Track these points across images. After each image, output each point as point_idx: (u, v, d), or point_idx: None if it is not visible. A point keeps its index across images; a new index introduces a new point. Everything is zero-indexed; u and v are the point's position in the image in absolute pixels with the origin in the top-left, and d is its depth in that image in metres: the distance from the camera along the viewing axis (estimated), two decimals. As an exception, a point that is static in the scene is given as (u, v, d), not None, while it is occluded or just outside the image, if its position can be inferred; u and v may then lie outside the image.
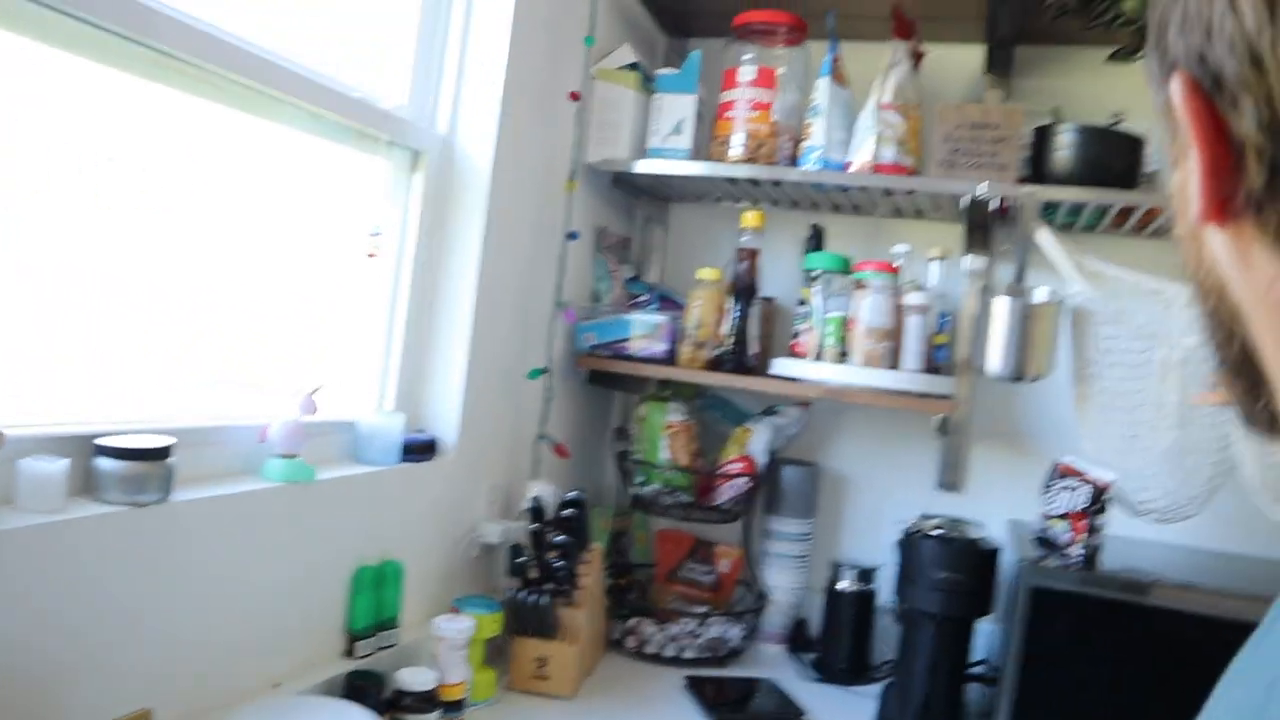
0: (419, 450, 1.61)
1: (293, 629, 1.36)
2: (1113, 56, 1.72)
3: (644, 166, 1.96)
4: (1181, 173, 0.50)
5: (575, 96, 1.90)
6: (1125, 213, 1.81)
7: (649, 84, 2.03)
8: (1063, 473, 1.66)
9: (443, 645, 1.43)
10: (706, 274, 1.97)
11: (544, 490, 1.77)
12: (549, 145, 1.88)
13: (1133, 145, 1.75)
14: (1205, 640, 1.42)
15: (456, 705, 1.44)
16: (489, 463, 1.80)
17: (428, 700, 1.39)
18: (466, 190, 1.70)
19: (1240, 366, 0.49)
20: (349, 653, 1.46)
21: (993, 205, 1.79)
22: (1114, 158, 1.75)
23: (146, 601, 1.12)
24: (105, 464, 1.10)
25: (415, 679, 1.39)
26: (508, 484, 1.86)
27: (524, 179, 1.80)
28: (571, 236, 1.92)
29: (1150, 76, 0.55)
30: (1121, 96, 1.94)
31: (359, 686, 1.38)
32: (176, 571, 1.16)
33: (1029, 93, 2.05)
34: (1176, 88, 0.45)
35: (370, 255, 1.61)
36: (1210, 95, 0.44)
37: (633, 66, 1.99)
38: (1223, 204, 0.45)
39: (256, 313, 1.43)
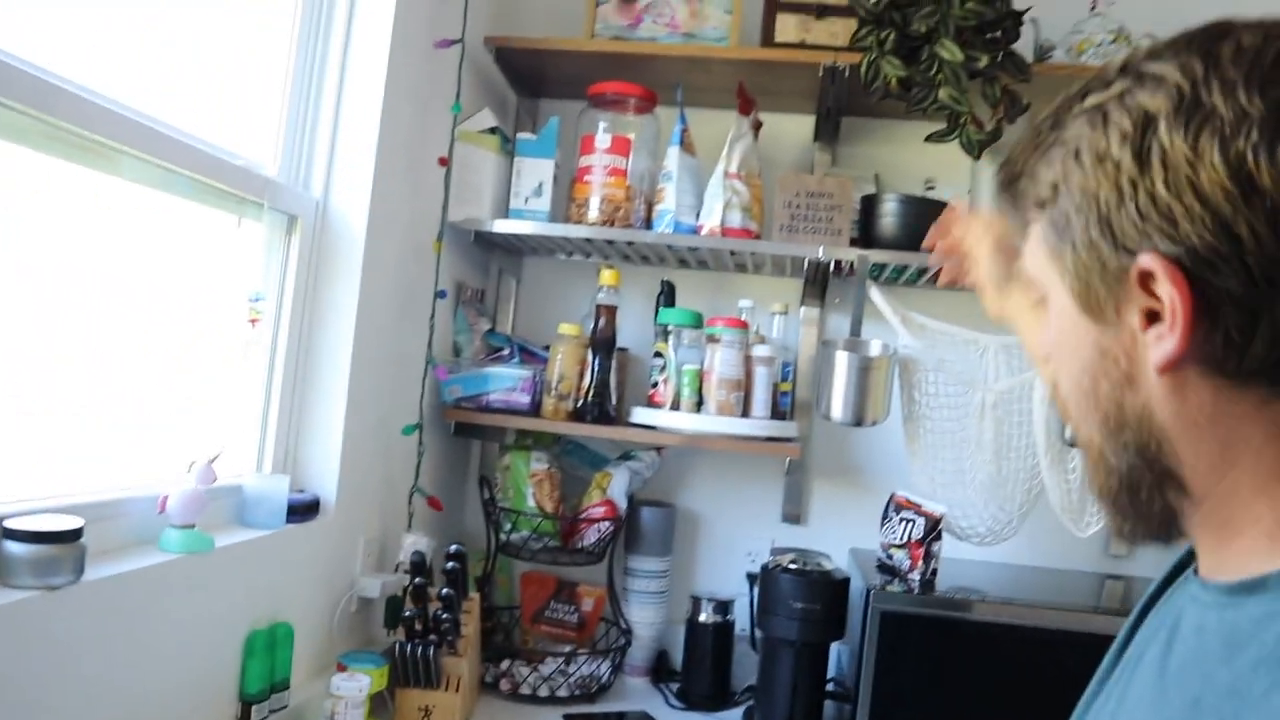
0: (303, 511, 1.65)
1: (188, 700, 1.38)
2: (930, 138, 1.94)
3: (506, 227, 2.06)
4: (1057, 319, 0.67)
5: (444, 162, 1.98)
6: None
7: (508, 146, 2.13)
8: (900, 505, 1.86)
9: (342, 704, 1.48)
10: (567, 329, 2.08)
11: (421, 542, 1.83)
12: (419, 207, 1.95)
13: (948, 213, 1.98)
14: (1030, 647, 1.64)
15: (353, 762, 1.49)
16: (366, 518, 1.85)
17: (328, 758, 1.44)
18: (342, 252, 1.76)
19: (1155, 485, 0.64)
20: (243, 718, 1.48)
21: (828, 265, 1.99)
22: (931, 223, 1.96)
23: (53, 685, 1.12)
24: (15, 548, 1.10)
25: (316, 738, 1.43)
26: (383, 537, 1.91)
27: (395, 239, 1.86)
28: (441, 295, 1.99)
29: (1014, 223, 0.70)
30: (932, 166, 2.18)
31: (259, 751, 1.41)
32: (83, 652, 1.17)
33: (853, 159, 2.27)
34: (1153, 266, 0.58)
35: (251, 321, 1.64)
36: (1187, 269, 0.57)
37: (493, 130, 2.09)
38: (1180, 358, 0.59)
39: (143, 382, 1.45)
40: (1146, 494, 0.64)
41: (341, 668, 1.63)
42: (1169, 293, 0.57)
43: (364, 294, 1.76)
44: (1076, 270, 0.64)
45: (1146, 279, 0.59)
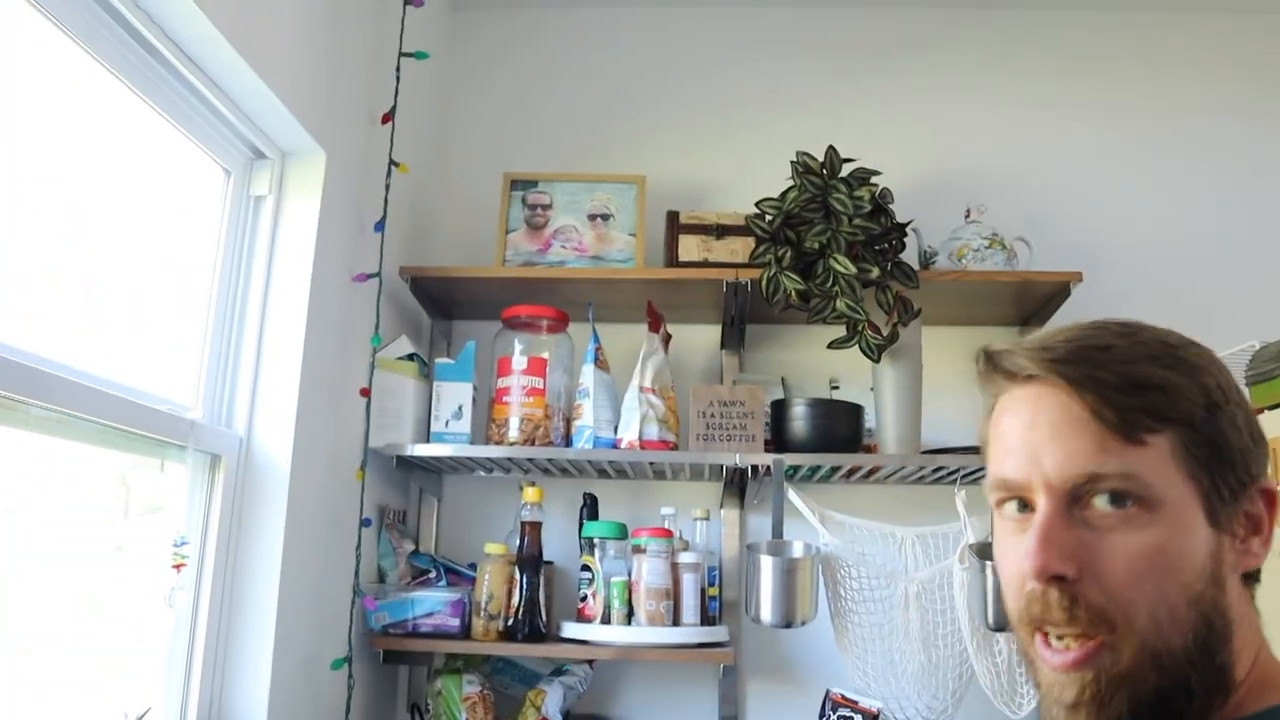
0: (230, 763, 1.59)
1: None
2: (831, 345, 2.06)
3: (428, 450, 2.09)
4: (1169, 527, 0.73)
5: (365, 393, 2.02)
6: (855, 467, 2.12)
7: (426, 371, 2.19)
8: (836, 703, 1.87)
9: None
10: (494, 549, 2.09)
11: (355, 785, 1.77)
12: (341, 437, 1.97)
13: (854, 412, 2.09)
14: None
15: None
16: (295, 763, 1.79)
17: None
18: (266, 487, 1.76)
19: (1209, 680, 0.72)
20: None
21: (745, 470, 2.06)
22: (840, 424, 2.07)
23: None
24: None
25: None
26: (313, 782, 1.84)
27: (319, 471, 1.88)
28: (366, 523, 1.99)
29: (1127, 434, 0.74)
30: (836, 367, 2.31)
31: None
32: None
33: (760, 363, 2.38)
34: (1270, 487, 0.77)
35: (176, 566, 1.62)
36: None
37: (411, 356, 2.14)
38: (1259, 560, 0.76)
39: (64, 635, 1.41)
40: (1212, 698, 0.73)
41: None
42: (1269, 511, 0.77)
43: (289, 529, 1.76)
44: (1217, 484, 0.74)
45: (1261, 497, 0.76)
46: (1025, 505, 0.77)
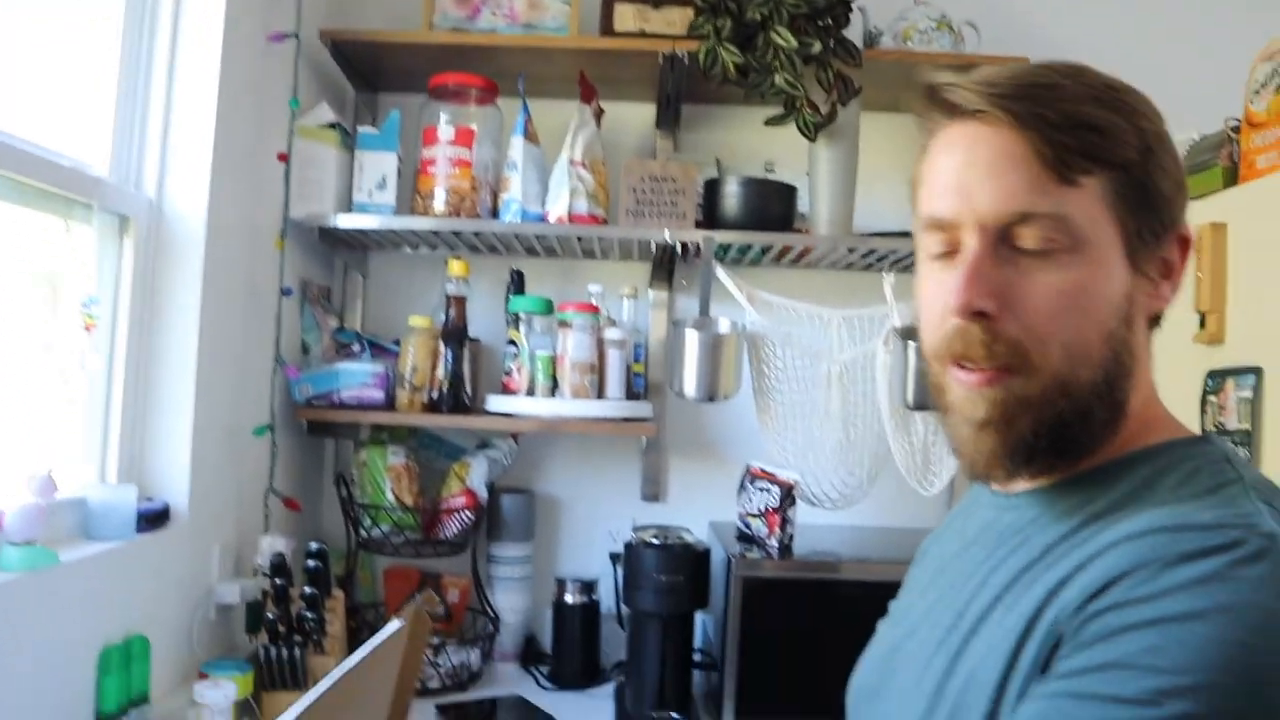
0: (153, 520, 1.60)
1: (42, 722, 1.33)
2: (768, 122, 2.01)
3: (350, 221, 2.03)
4: (1090, 267, 0.74)
5: (283, 158, 1.94)
6: (785, 248, 2.12)
7: (349, 141, 2.10)
8: (755, 476, 1.93)
9: (206, 713, 1.44)
10: (418, 322, 2.07)
11: (280, 544, 1.80)
12: (259, 204, 1.91)
13: (787, 193, 2.07)
14: (883, 602, 1.72)
15: (221, 770, 1.46)
16: (220, 523, 1.81)
17: (196, 768, 1.40)
18: (180, 252, 1.71)
19: (1108, 410, 0.76)
20: (102, 736, 1.43)
21: (676, 247, 2.04)
22: (772, 204, 2.05)
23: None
24: None
25: (181, 750, 1.39)
26: (238, 542, 1.87)
27: (236, 238, 1.82)
28: (286, 293, 1.96)
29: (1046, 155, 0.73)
30: (772, 149, 2.26)
31: (121, 767, 1.37)
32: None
33: (695, 144, 2.33)
34: (1189, 234, 0.78)
35: (86, 327, 1.58)
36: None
37: (333, 125, 2.05)
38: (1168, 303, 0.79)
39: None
40: (1108, 429, 0.77)
41: (204, 676, 1.59)
42: (1181, 255, 0.78)
43: (206, 295, 1.72)
44: (1141, 229, 0.75)
45: (1177, 244, 0.78)
46: (952, 245, 0.77)
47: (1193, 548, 0.64)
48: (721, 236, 2.02)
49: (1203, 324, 1.65)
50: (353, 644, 1.99)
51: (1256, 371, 1.53)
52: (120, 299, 1.65)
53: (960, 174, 0.75)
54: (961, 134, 0.76)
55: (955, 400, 0.78)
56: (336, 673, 0.94)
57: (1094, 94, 0.74)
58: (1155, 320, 0.80)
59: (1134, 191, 0.74)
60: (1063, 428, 0.75)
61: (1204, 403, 1.62)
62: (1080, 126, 0.72)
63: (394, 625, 1.20)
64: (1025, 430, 0.75)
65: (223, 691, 1.47)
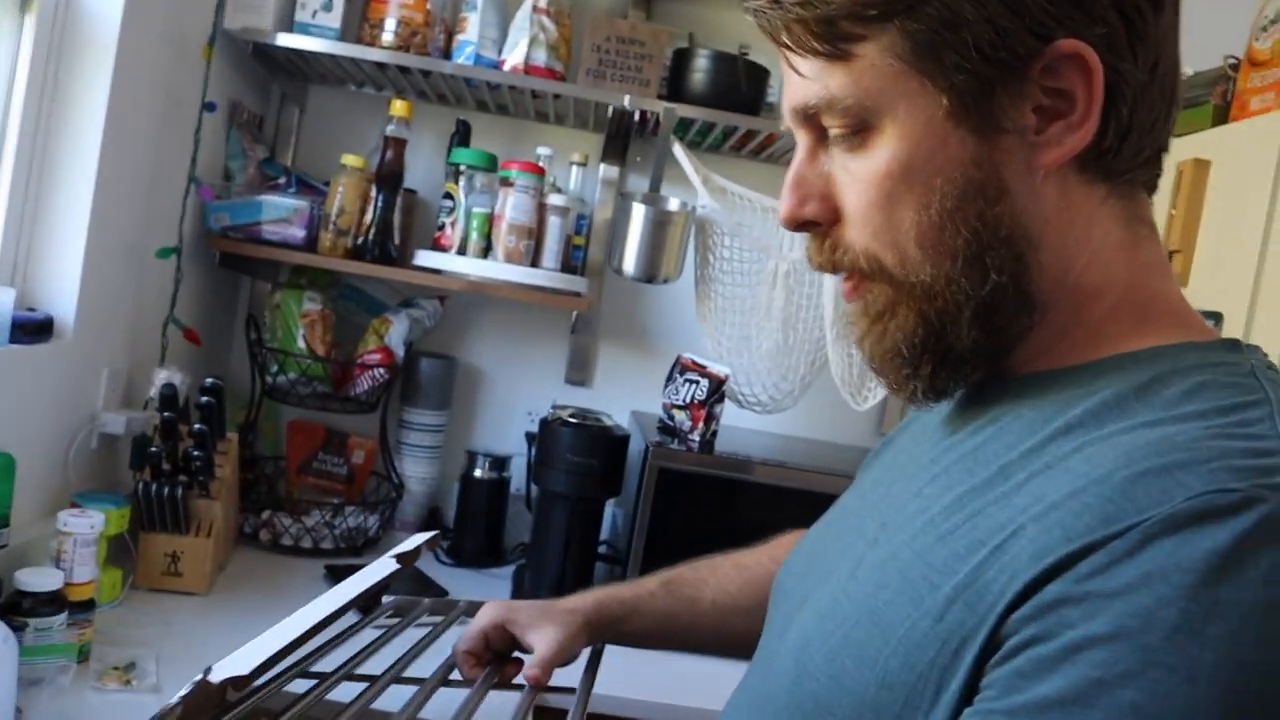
0: (32, 330, 1.46)
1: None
2: (747, 4, 1.87)
3: (289, 41, 1.86)
4: (907, 145, 0.60)
5: (216, -45, 1.77)
6: (749, 136, 2.00)
7: (294, -47, 1.93)
8: (685, 367, 1.84)
9: (70, 541, 1.33)
10: (351, 160, 1.92)
11: (174, 377, 1.67)
12: (188, 5, 1.73)
13: (760, 75, 1.94)
14: (804, 509, 1.66)
15: (85, 606, 1.34)
16: (110, 347, 1.67)
17: (52, 601, 1.28)
18: (90, 44, 1.53)
19: (1015, 306, 0.62)
20: (-48, 554, 1.31)
21: (634, 116, 1.91)
22: (743, 85, 1.92)
23: None
24: None
25: (37, 579, 1.27)
26: (131, 370, 1.74)
27: (157, 40, 1.65)
28: (209, 108, 1.80)
29: (817, 53, 0.61)
30: (747, 31, 2.11)
31: (-31, 589, 1.26)
32: None
33: (667, 16, 2.18)
34: (1077, 49, 0.57)
35: (-28, 106, 1.42)
36: (1104, 57, 0.57)
37: (277, -69, 1.87)
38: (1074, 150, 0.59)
39: None
40: (1003, 319, 0.62)
41: (75, 506, 1.47)
42: (1083, 80, 0.58)
43: (116, 96, 1.55)
44: (966, 78, 0.58)
45: (1049, 71, 0.58)
46: None
47: (1185, 507, 0.47)
48: (684, 111, 1.89)
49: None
50: (245, 496, 1.89)
51: (1216, 317, 1.47)
52: (15, 85, 1.48)
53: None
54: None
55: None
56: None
57: None
58: (1104, 168, 0.61)
59: (935, 36, 0.58)
60: (941, 333, 0.62)
61: (1159, 341, 1.56)
62: None
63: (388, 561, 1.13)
64: (900, 343, 0.63)
65: (89, 521, 1.35)
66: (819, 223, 0.65)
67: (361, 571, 1.09)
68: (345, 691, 0.88)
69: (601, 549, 1.90)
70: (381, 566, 1.11)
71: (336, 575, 1.76)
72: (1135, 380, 0.58)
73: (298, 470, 2.10)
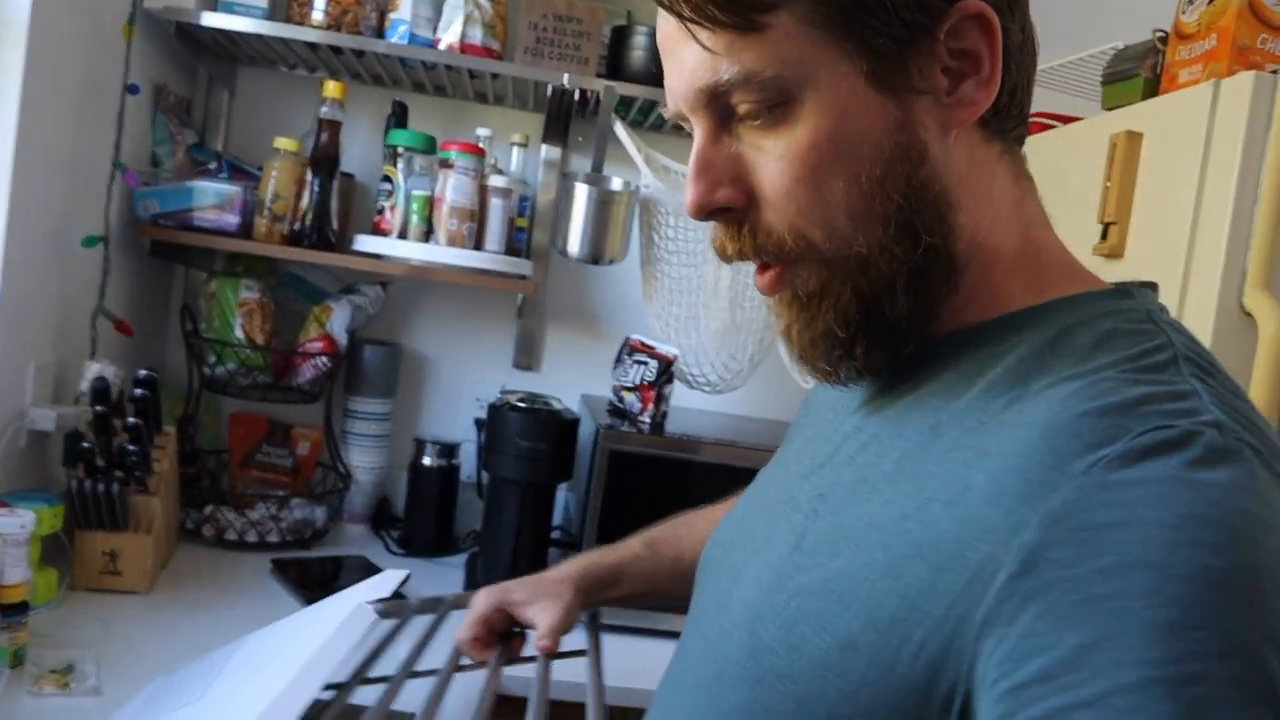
0: (-47, 325, 1.41)
1: None
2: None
3: (214, 20, 1.81)
4: (830, 114, 0.59)
5: (135, -69, 1.70)
6: (689, 114, 1.98)
7: (219, -69, 1.87)
8: (634, 348, 1.82)
9: (0, 543, 1.29)
10: (285, 144, 1.87)
11: (106, 370, 1.62)
12: (104, -15, 1.68)
13: (698, 51, 1.92)
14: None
15: (18, 608, 1.29)
16: (36, 340, 1.61)
17: (-18, 603, 1.25)
18: (2, 25, 1.48)
19: (944, 270, 0.62)
20: (-128, 558, 1.26)
21: (574, 96, 1.89)
22: (682, 60, 1.90)
23: None
24: None
25: (-35, 581, 1.24)
26: (60, 364, 1.68)
27: (73, 20, 1.59)
28: (132, 90, 1.74)
29: (724, 30, 0.58)
30: (686, 5, 2.10)
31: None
32: None
33: (609, -9, 2.15)
34: (982, 9, 0.58)
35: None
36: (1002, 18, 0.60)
37: (201, -92, 1.82)
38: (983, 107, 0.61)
39: None
40: (933, 283, 0.62)
41: (4, 505, 1.43)
42: (985, 39, 0.59)
43: (30, 78, 1.49)
44: (879, 41, 0.58)
45: (954, 32, 0.59)
46: None
47: (1136, 443, 0.49)
48: (624, 89, 1.87)
49: (1105, 235, 1.60)
50: (187, 491, 1.85)
51: (1151, 286, 1.49)
52: (-72, 69, 1.42)
53: (664, 62, 0.64)
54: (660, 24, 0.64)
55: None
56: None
57: None
58: (1001, 127, 0.63)
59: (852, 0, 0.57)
60: (876, 304, 0.62)
61: (1100, 311, 1.57)
62: None
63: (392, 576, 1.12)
64: (833, 323, 0.62)
65: (19, 520, 1.30)
66: (731, 208, 0.63)
67: (341, 626, 1.03)
68: (361, 696, 0.90)
69: (554, 534, 1.88)
70: (361, 617, 1.07)
71: (283, 569, 1.72)
72: (1045, 334, 0.59)
73: (241, 463, 2.05)
